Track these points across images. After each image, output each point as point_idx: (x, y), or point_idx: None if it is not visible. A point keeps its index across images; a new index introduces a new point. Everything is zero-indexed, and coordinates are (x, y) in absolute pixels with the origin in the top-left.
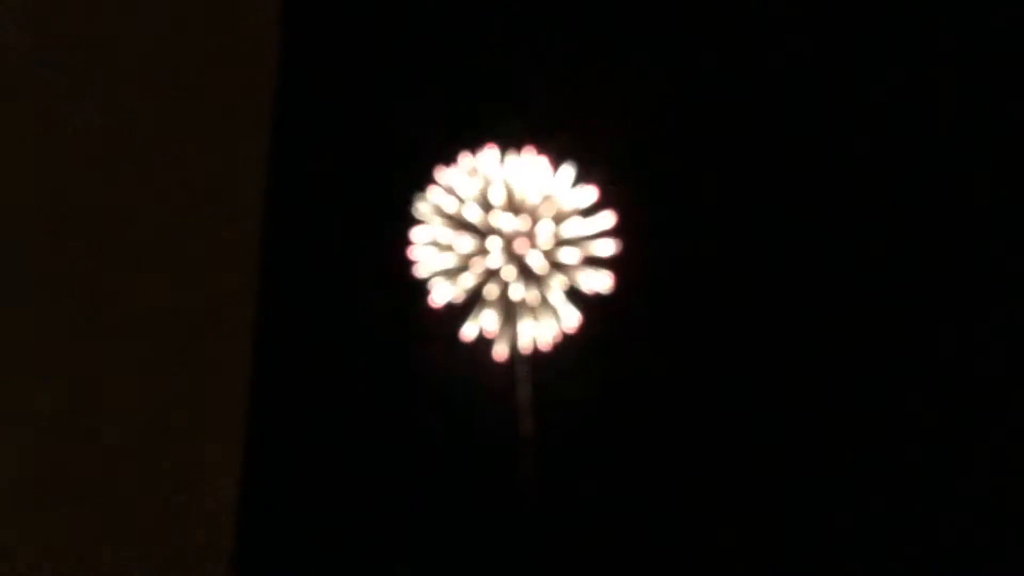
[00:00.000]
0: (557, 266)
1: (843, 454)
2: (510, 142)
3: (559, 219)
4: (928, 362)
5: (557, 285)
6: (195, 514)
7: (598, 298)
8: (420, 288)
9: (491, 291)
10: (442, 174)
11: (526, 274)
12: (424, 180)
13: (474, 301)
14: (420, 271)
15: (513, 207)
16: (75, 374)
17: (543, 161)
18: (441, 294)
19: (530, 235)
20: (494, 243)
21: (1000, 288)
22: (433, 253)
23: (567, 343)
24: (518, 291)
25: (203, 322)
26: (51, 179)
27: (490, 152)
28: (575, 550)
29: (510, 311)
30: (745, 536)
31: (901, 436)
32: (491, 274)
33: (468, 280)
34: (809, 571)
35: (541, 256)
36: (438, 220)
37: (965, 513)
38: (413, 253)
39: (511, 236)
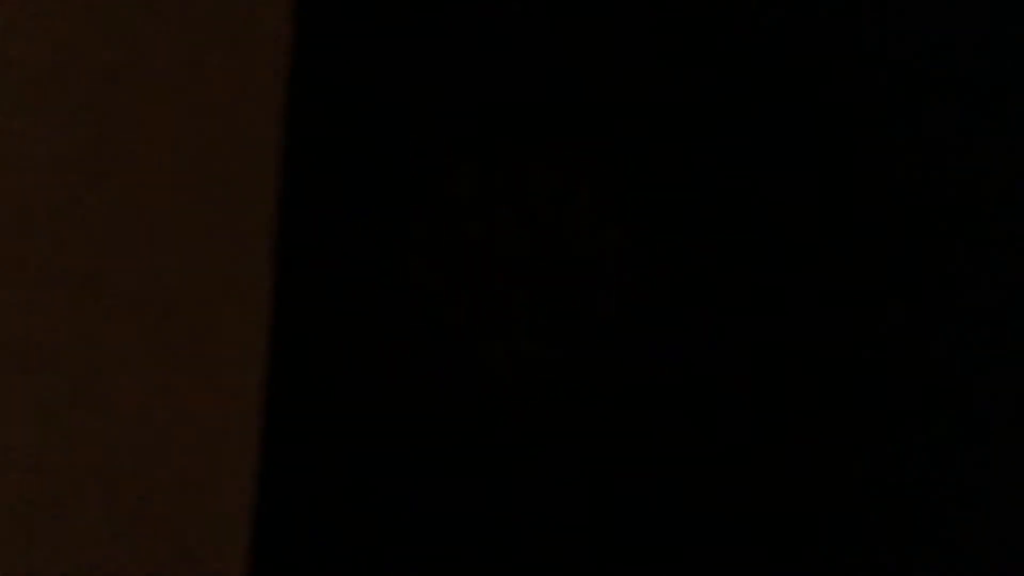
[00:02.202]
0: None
1: (842, 454)
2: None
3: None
4: (928, 362)
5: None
6: (207, 514)
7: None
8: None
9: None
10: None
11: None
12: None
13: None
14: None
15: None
16: (78, 365)
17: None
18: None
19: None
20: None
21: (1000, 288)
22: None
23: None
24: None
25: (215, 310)
26: (49, 172)
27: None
28: (576, 550)
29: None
30: (743, 536)
31: (901, 436)
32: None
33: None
34: (809, 571)
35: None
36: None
37: (965, 513)
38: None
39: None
